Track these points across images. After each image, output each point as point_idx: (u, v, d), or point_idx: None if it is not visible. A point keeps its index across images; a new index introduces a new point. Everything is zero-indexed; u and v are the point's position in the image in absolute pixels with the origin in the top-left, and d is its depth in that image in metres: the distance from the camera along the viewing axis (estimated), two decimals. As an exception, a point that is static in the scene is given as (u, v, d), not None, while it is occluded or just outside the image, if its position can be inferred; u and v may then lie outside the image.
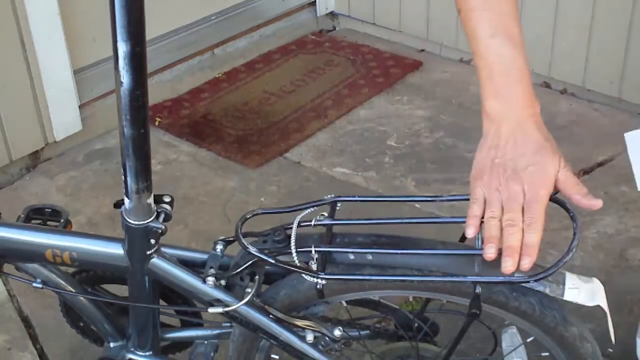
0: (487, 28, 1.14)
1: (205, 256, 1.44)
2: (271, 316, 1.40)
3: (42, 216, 1.48)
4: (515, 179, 1.12)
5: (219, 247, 1.42)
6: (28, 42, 2.70)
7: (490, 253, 1.12)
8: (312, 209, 1.33)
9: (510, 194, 1.12)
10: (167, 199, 1.40)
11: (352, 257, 1.32)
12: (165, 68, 3.33)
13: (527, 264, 1.10)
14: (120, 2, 1.12)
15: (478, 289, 1.26)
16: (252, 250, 1.30)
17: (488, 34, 1.13)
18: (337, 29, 3.87)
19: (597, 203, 1.13)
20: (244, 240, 1.30)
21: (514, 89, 1.13)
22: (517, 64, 1.13)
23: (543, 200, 1.11)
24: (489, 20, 1.14)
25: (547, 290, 1.28)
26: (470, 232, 1.15)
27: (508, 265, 1.10)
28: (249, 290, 1.37)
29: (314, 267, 1.29)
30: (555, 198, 1.16)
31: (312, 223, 1.31)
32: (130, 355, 1.57)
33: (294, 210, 1.34)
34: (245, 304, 1.36)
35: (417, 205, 2.55)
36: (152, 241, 1.36)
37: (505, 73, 1.13)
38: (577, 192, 1.13)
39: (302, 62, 3.57)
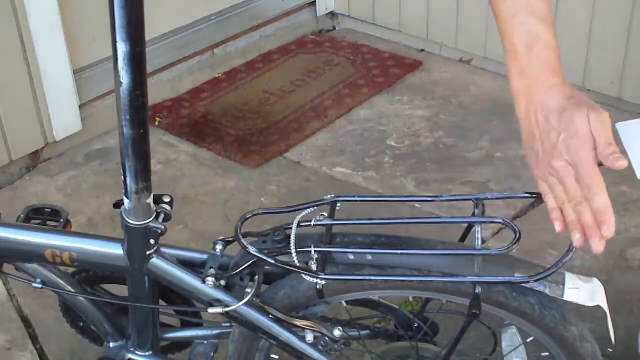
0: (511, 5, 1.11)
1: (205, 256, 1.44)
2: (271, 316, 1.40)
3: (42, 216, 1.48)
4: (555, 155, 1.07)
5: (219, 247, 1.42)
6: (28, 42, 2.70)
7: (576, 240, 1.07)
8: (312, 209, 1.33)
9: (559, 173, 1.08)
10: (166, 199, 1.40)
11: (352, 257, 1.32)
12: (165, 68, 3.32)
13: (605, 230, 1.04)
14: (120, 2, 1.12)
15: (478, 289, 1.26)
16: (252, 250, 1.29)
17: (511, 12, 1.11)
18: (337, 29, 3.87)
19: (621, 164, 1.04)
20: (243, 241, 1.30)
21: (535, 66, 1.10)
22: (541, 39, 1.10)
23: (587, 161, 1.05)
24: None
25: (547, 291, 1.28)
26: (557, 227, 1.10)
27: (595, 245, 1.05)
28: (248, 290, 1.37)
29: (314, 267, 1.29)
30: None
31: (312, 223, 1.31)
32: (130, 355, 1.57)
33: (294, 210, 1.34)
34: (245, 304, 1.36)
35: (417, 205, 2.55)
36: (152, 241, 1.36)
37: (527, 50, 1.10)
38: (601, 152, 1.06)
39: (302, 62, 3.56)
